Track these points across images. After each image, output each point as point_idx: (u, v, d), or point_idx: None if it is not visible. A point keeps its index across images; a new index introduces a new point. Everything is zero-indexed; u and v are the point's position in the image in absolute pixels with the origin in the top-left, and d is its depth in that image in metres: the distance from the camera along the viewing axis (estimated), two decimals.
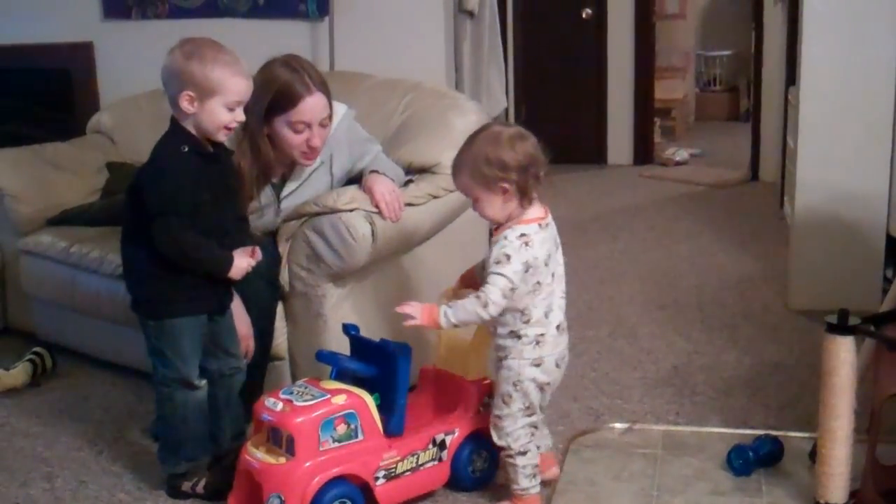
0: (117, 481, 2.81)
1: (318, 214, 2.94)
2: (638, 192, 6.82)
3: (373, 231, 2.95)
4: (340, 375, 2.57)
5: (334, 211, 2.91)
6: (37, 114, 5.03)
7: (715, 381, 3.36)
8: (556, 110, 7.87)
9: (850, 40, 3.83)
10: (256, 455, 2.46)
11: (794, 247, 4.11)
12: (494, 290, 2.37)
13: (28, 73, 5.01)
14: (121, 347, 3.52)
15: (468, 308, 2.39)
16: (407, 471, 2.54)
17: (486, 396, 2.65)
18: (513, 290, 2.38)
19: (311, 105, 2.91)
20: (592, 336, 3.87)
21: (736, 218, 5.86)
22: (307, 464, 2.39)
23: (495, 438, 2.52)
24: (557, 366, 2.51)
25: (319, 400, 2.45)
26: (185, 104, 2.49)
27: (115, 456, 2.97)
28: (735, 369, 3.47)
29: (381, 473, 2.50)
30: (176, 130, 2.55)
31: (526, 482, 2.52)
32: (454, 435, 2.60)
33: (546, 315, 2.46)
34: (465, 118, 3.47)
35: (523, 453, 2.50)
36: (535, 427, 2.54)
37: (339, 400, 2.45)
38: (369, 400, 2.49)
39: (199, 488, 2.66)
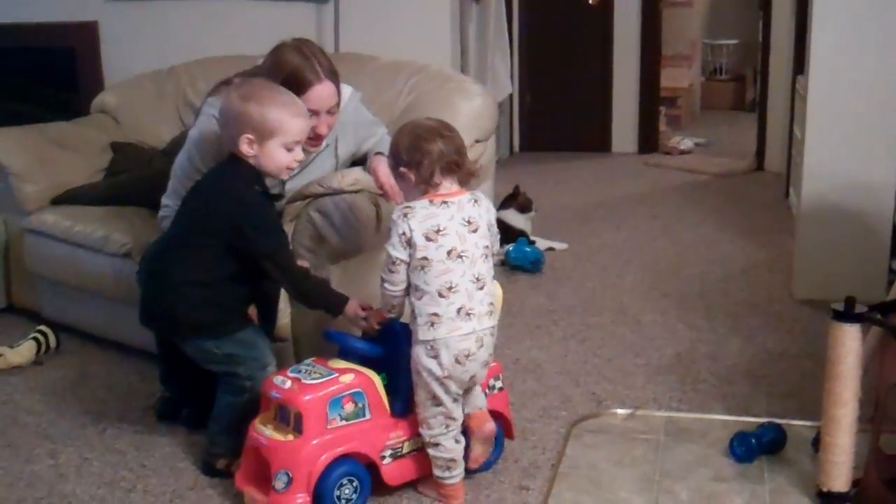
0: (120, 459, 2.82)
1: (322, 195, 2.93)
2: (642, 181, 6.80)
3: (377, 213, 2.95)
4: (347, 355, 2.58)
5: (339, 192, 2.91)
6: (41, 93, 5.03)
7: (718, 369, 3.36)
8: (561, 97, 7.87)
9: (860, 30, 3.81)
10: (264, 432, 2.47)
11: (800, 236, 4.10)
12: (383, 266, 2.47)
13: (33, 52, 5.00)
14: (124, 326, 3.51)
15: (380, 292, 2.50)
16: (413, 450, 2.55)
17: (492, 378, 2.67)
18: (395, 262, 2.43)
19: (319, 93, 2.88)
20: (595, 322, 3.86)
21: (741, 207, 5.85)
22: (315, 441, 2.40)
23: (419, 425, 2.52)
24: (458, 362, 2.42)
25: (327, 378, 2.46)
26: (244, 147, 2.51)
27: (119, 434, 2.98)
28: (738, 357, 3.47)
29: (388, 452, 2.51)
30: (242, 168, 2.55)
31: (439, 472, 2.51)
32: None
33: (441, 294, 2.41)
34: (471, 101, 3.47)
35: (434, 445, 2.49)
36: (451, 419, 2.49)
37: (347, 379, 2.47)
38: (377, 379, 2.50)
39: (234, 468, 2.64)
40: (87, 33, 4.89)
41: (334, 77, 2.93)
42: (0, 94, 5.05)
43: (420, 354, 2.43)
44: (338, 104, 2.97)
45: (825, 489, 2.43)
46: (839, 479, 2.40)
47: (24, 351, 3.50)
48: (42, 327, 3.61)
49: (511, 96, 7.25)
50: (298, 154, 2.58)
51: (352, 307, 2.62)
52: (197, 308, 2.59)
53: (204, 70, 4.16)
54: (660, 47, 8.00)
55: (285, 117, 2.52)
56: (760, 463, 2.67)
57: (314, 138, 2.96)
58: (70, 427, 3.04)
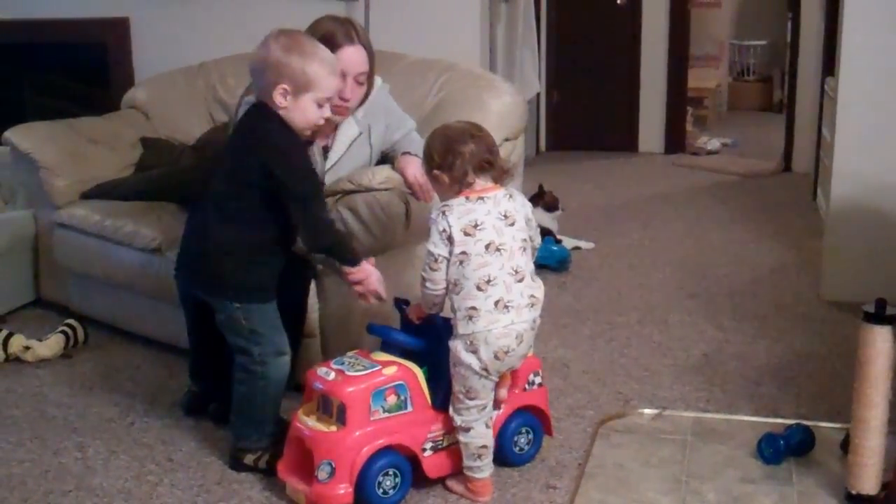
0: (148, 452, 2.83)
1: (353, 192, 2.94)
2: (669, 181, 6.78)
3: (407, 211, 2.96)
4: (390, 348, 2.60)
5: (369, 190, 2.92)
6: (72, 88, 5.07)
7: (745, 370, 3.34)
8: (589, 97, 7.85)
9: (891, 31, 3.79)
10: (308, 423, 2.49)
11: (829, 237, 4.08)
12: (423, 266, 2.48)
13: (64, 47, 5.04)
14: (152, 321, 3.54)
15: (421, 290, 2.51)
16: (453, 443, 2.55)
17: (532, 374, 2.69)
18: (436, 259, 2.44)
19: (350, 55, 2.89)
20: (622, 322, 3.85)
21: (768, 208, 5.82)
22: (357, 433, 2.42)
23: (450, 409, 2.53)
24: (497, 357, 2.43)
25: (371, 371, 2.48)
26: (278, 98, 2.50)
27: (146, 427, 2.99)
28: (766, 358, 3.45)
29: (429, 445, 2.53)
30: (272, 118, 2.54)
31: (469, 461, 2.52)
32: (500, 411, 2.61)
33: (479, 288, 2.42)
34: (501, 99, 3.46)
35: (465, 430, 2.50)
36: (484, 407, 2.50)
37: (390, 371, 2.49)
38: (419, 372, 2.52)
39: (262, 463, 2.66)
40: (118, 29, 4.92)
41: (368, 48, 2.96)
42: (32, 89, 5.10)
43: (459, 349, 2.44)
44: (368, 77, 2.99)
45: (854, 491, 2.41)
46: (868, 481, 2.39)
47: (52, 344, 3.52)
48: (70, 321, 3.63)
49: (538, 95, 7.24)
50: (326, 111, 2.57)
51: (367, 267, 2.63)
52: (238, 268, 2.58)
53: (234, 66, 4.18)
54: (688, 48, 7.97)
55: (323, 73, 2.52)
56: (788, 465, 2.66)
57: (341, 104, 2.96)
58: (97, 420, 3.06)
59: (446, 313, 2.55)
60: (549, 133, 7.98)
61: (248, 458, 2.69)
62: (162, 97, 4.32)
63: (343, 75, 2.89)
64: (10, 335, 3.52)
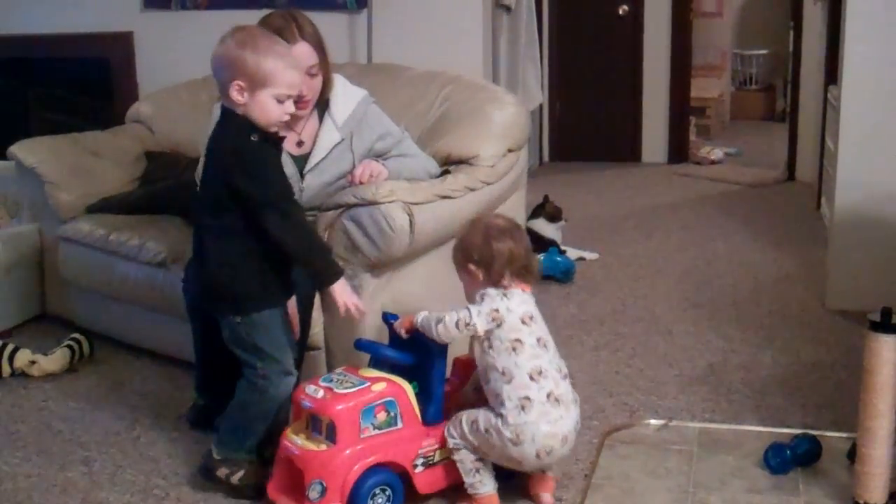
0: (154, 466, 2.83)
1: (356, 206, 2.94)
2: (673, 191, 6.78)
3: (410, 222, 2.96)
4: (378, 363, 2.59)
5: (373, 203, 2.92)
6: (77, 102, 5.09)
7: (751, 380, 3.34)
8: (591, 107, 7.86)
9: (893, 39, 3.79)
10: (297, 442, 2.48)
11: (833, 247, 4.08)
12: (452, 315, 2.45)
13: (68, 62, 5.07)
14: (158, 335, 3.55)
15: (429, 319, 2.49)
16: (445, 458, 2.54)
17: None
18: (469, 326, 2.42)
19: (295, 53, 2.90)
20: (627, 333, 3.85)
21: (772, 218, 5.82)
22: (348, 451, 2.41)
23: (445, 430, 2.52)
24: (537, 456, 2.41)
25: (360, 387, 2.47)
26: (234, 94, 2.45)
27: (152, 441, 2.99)
28: (772, 368, 3.44)
29: (420, 461, 2.51)
30: (234, 119, 2.49)
31: (469, 478, 2.50)
32: None
33: (532, 378, 2.40)
34: (504, 111, 3.47)
35: (458, 449, 2.49)
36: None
37: (379, 387, 2.47)
38: (408, 388, 2.51)
39: (235, 479, 2.61)
40: (122, 43, 4.95)
41: (314, 40, 3.00)
42: (36, 103, 5.12)
43: (503, 434, 2.39)
44: (319, 67, 3.02)
45: (861, 501, 2.41)
46: (875, 490, 2.39)
47: (57, 358, 3.52)
48: (76, 335, 3.64)
49: (540, 106, 7.25)
50: (289, 107, 2.52)
51: (344, 286, 2.59)
52: (236, 279, 2.52)
53: None
54: (690, 57, 7.98)
55: (279, 67, 2.45)
56: (795, 475, 2.65)
57: (297, 101, 2.98)
58: (104, 434, 3.06)
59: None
60: (552, 144, 7.99)
61: (222, 472, 2.63)
62: (166, 111, 4.33)
63: None
64: (15, 349, 3.52)
